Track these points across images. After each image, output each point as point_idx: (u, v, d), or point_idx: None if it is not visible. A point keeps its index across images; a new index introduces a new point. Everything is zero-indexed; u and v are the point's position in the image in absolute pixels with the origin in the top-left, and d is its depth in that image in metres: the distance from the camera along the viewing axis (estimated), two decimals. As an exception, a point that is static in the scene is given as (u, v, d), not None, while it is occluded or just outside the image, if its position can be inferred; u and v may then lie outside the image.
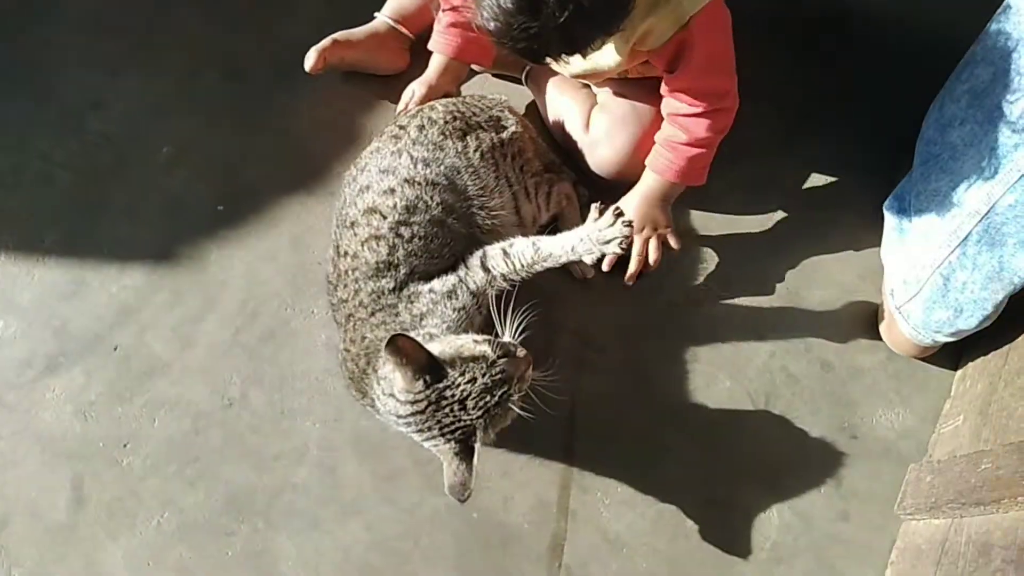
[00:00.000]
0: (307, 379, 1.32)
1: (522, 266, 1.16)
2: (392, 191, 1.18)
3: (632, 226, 1.11)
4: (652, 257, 1.33)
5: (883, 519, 1.24)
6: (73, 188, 1.43)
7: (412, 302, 1.16)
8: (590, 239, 1.13)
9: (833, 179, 1.46)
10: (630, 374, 1.33)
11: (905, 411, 1.32)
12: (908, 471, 1.25)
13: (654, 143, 1.29)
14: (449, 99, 1.32)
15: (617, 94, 1.33)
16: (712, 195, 1.42)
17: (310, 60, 1.41)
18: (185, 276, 1.38)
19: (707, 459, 1.28)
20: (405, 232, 1.16)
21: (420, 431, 1.07)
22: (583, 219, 1.18)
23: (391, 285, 1.16)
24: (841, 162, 1.47)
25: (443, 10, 1.32)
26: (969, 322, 1.18)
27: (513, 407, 1.06)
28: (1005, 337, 1.22)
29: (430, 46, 1.36)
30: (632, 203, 1.33)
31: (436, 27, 1.35)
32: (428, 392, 1.03)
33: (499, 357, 1.05)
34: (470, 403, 1.03)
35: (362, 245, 1.17)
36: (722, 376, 1.33)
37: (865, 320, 1.37)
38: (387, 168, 1.20)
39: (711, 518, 1.24)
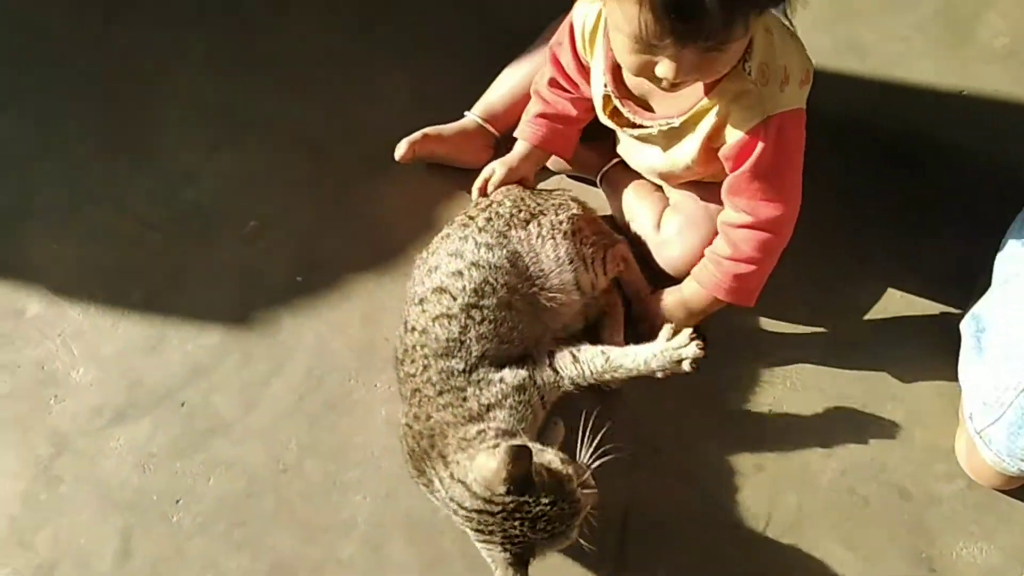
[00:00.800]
0: (363, 452, 1.31)
1: (591, 372, 1.20)
2: (460, 273, 1.22)
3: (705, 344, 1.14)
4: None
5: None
6: (162, 250, 1.51)
7: (481, 389, 1.17)
8: (664, 356, 1.17)
9: (902, 298, 1.43)
10: (686, 479, 1.28)
11: (989, 547, 1.23)
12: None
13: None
14: (517, 191, 1.37)
15: (690, 196, 1.36)
16: (780, 303, 1.41)
17: (401, 150, 1.49)
18: (257, 340, 1.42)
19: (768, 577, 1.21)
20: (476, 315, 1.19)
21: (479, 530, 1.06)
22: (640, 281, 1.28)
23: (461, 366, 1.17)
24: (915, 280, 1.45)
25: (534, 102, 1.41)
26: (1059, 451, 1.11)
27: (573, 533, 1.06)
28: (1099, 473, 1.14)
29: (516, 133, 1.43)
30: (669, 300, 1.34)
31: (524, 117, 1.42)
32: (508, 500, 1.02)
33: (579, 485, 1.05)
34: (541, 524, 1.03)
35: (432, 322, 1.20)
36: (788, 490, 1.27)
37: (942, 448, 1.31)
38: (455, 252, 1.25)
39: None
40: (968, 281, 1.36)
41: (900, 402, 1.34)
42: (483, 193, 1.40)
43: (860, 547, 1.22)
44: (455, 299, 1.20)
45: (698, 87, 1.16)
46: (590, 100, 1.35)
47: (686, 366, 1.16)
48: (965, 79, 1.66)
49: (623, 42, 1.06)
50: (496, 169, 1.39)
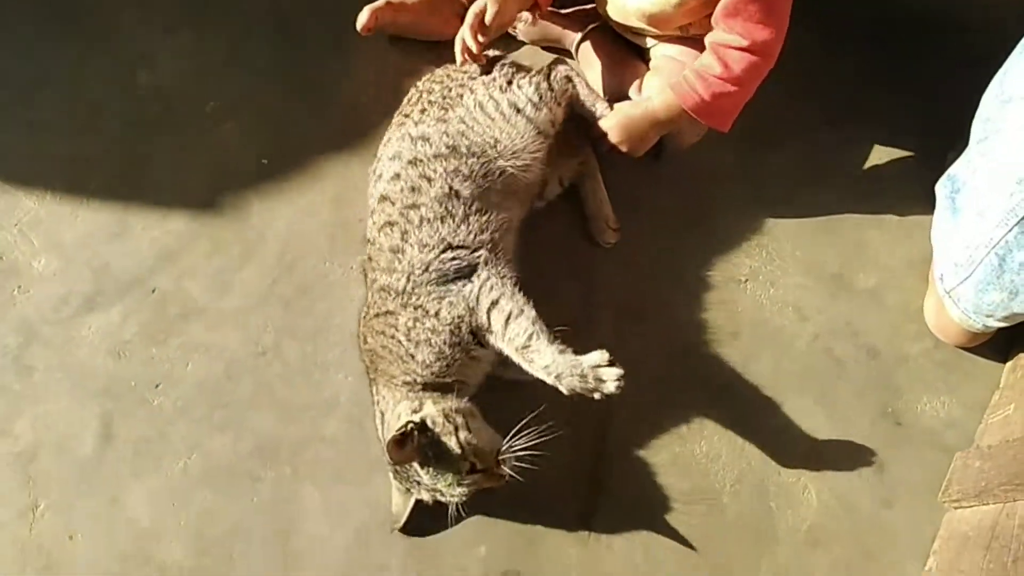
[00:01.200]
0: (341, 332, 1.30)
1: (511, 346, 1.09)
2: (398, 176, 1.19)
3: (622, 381, 1.04)
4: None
5: (927, 508, 1.20)
6: (121, 137, 1.44)
7: (415, 323, 1.11)
8: (575, 375, 1.04)
9: (881, 162, 1.44)
10: (669, 346, 1.30)
11: (951, 400, 1.28)
12: (954, 459, 1.21)
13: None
14: (440, 72, 1.32)
15: (671, 59, 1.32)
16: (759, 176, 1.40)
17: (363, 18, 1.41)
18: (226, 226, 1.38)
19: (745, 436, 1.24)
20: (414, 216, 1.15)
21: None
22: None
23: (400, 285, 1.13)
24: (889, 146, 1.44)
25: None
26: (1025, 305, 1.14)
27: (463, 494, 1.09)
28: (1061, 325, 1.18)
29: None
30: (630, 111, 1.30)
31: None
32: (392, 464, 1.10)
33: (483, 468, 1.07)
34: (424, 480, 1.09)
35: (379, 232, 1.18)
36: (764, 355, 1.30)
37: (912, 307, 1.34)
38: (394, 154, 1.21)
39: (747, 496, 1.21)
40: (949, 144, 1.36)
41: (874, 267, 1.36)
42: (469, 53, 1.29)
43: (831, 403, 1.27)
44: (394, 204, 1.16)
45: None
46: None
47: (608, 388, 1.04)
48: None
49: None
50: (488, 5, 1.26)
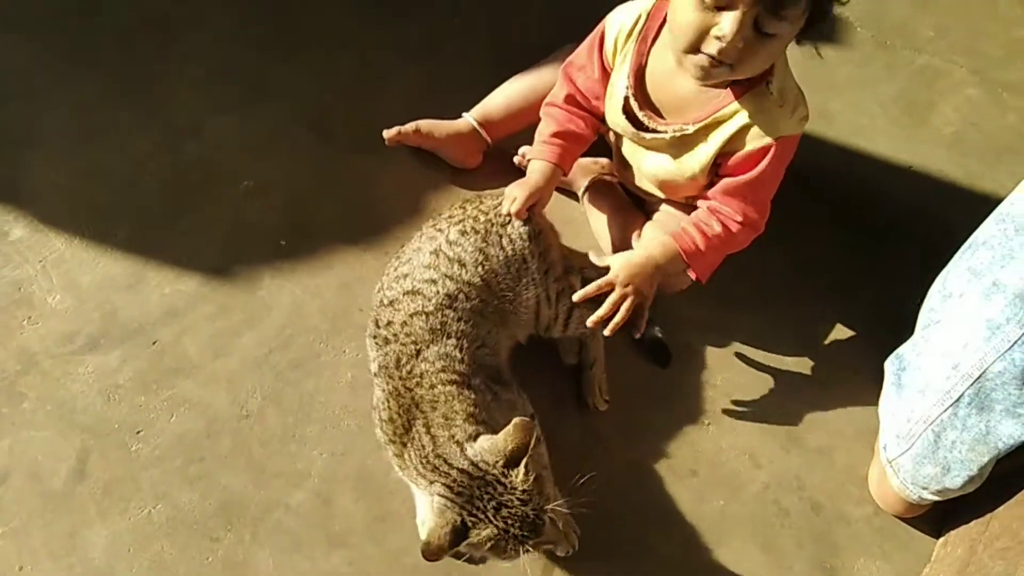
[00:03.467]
0: (325, 410, 1.37)
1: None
2: (434, 281, 1.26)
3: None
4: (619, 315, 1.34)
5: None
6: (156, 196, 1.56)
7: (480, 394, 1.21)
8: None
9: (840, 338, 1.57)
10: (629, 473, 1.38)
11: (886, 566, 1.34)
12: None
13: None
14: (491, 205, 1.38)
15: (673, 215, 1.47)
16: (727, 329, 1.53)
17: (389, 133, 1.58)
18: (235, 293, 1.48)
19: (687, 569, 1.30)
20: (451, 313, 1.24)
21: (449, 486, 1.11)
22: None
23: (459, 356, 1.22)
24: (849, 325, 1.59)
25: (547, 122, 1.45)
26: (955, 481, 1.24)
27: (516, 552, 1.10)
28: (987, 507, 1.27)
29: (532, 154, 1.45)
30: (632, 256, 1.38)
31: (538, 138, 1.45)
32: (495, 470, 1.11)
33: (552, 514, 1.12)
34: (504, 512, 1.09)
35: (410, 317, 1.24)
36: (717, 496, 1.38)
37: (857, 472, 1.43)
38: (428, 264, 1.28)
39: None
40: (900, 328, 1.50)
41: (827, 429, 1.46)
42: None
43: (773, 551, 1.33)
44: (429, 300, 1.24)
45: (717, 97, 1.28)
46: (600, 117, 1.45)
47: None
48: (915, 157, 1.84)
49: (687, 3, 1.16)
50: (517, 194, 1.38)
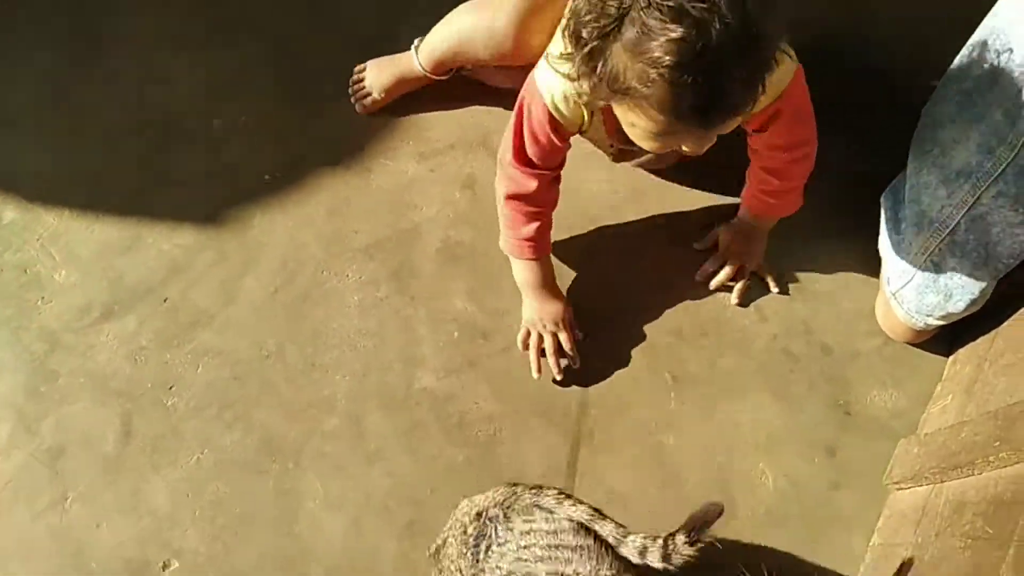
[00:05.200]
0: (338, 336, 1.42)
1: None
2: None
3: None
4: (736, 295, 1.43)
5: (873, 490, 1.32)
6: (133, 154, 1.55)
7: None
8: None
9: (836, 182, 1.53)
10: (640, 345, 1.42)
11: (898, 393, 1.39)
12: (898, 445, 1.33)
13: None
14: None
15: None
16: (725, 187, 1.51)
17: (362, 109, 1.58)
18: (230, 238, 1.49)
19: (708, 427, 1.36)
20: None
21: None
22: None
23: None
24: (844, 166, 1.54)
25: (519, 217, 1.32)
26: (958, 306, 1.26)
27: None
28: (993, 323, 1.30)
29: (517, 255, 1.36)
30: (731, 234, 1.43)
31: (516, 237, 1.34)
32: None
33: None
34: None
35: None
36: (728, 353, 1.42)
37: (864, 309, 1.45)
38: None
39: (709, 481, 1.33)
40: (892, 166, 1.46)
41: (831, 275, 1.47)
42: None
43: (786, 397, 1.38)
44: None
45: None
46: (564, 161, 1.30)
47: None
48: None
49: (642, 135, 1.02)
50: (545, 335, 1.36)
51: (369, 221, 1.50)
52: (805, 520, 1.31)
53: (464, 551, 1.09)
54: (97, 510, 1.30)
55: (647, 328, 1.43)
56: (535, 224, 1.32)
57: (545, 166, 1.26)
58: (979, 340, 1.32)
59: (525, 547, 1.06)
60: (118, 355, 1.40)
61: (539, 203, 1.30)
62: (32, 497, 1.30)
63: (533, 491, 1.12)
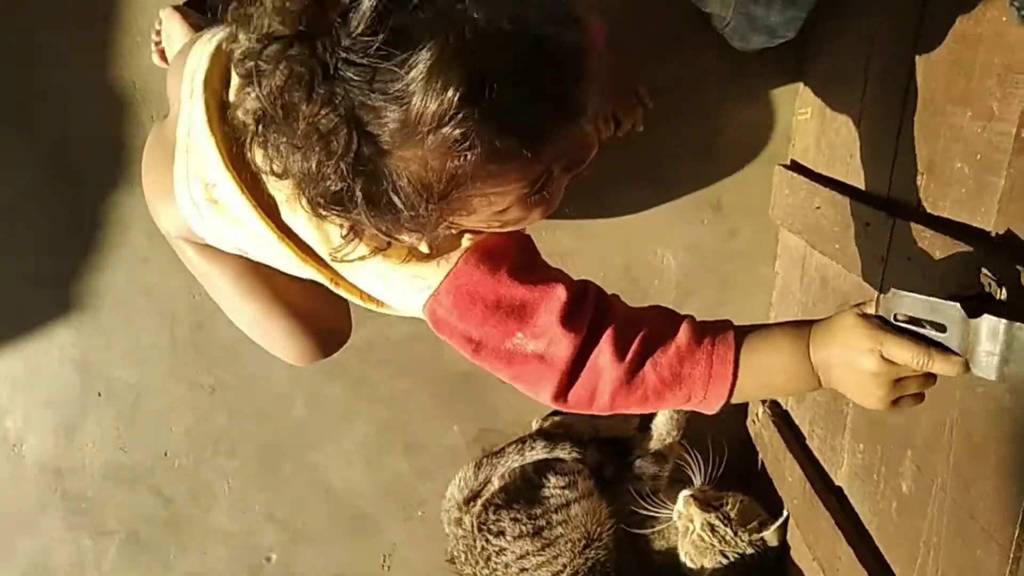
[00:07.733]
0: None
1: None
2: None
3: None
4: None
5: (763, 222, 1.35)
6: None
7: None
8: None
9: None
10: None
11: (756, 118, 1.32)
12: (775, 173, 1.31)
13: None
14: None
15: None
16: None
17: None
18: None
19: (609, 241, 1.38)
20: None
21: None
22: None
23: None
24: None
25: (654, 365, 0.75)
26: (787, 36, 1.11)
27: None
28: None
29: (721, 390, 0.74)
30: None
31: (692, 385, 0.75)
32: None
33: None
34: None
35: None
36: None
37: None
38: None
39: (616, 283, 1.39)
40: None
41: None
42: None
43: (656, 177, 1.36)
44: None
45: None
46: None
47: None
48: None
49: (519, 205, 0.68)
50: None
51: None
52: (714, 277, 1.39)
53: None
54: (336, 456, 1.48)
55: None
56: (660, 351, 0.75)
57: (543, 322, 0.76)
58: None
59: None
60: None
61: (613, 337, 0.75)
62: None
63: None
